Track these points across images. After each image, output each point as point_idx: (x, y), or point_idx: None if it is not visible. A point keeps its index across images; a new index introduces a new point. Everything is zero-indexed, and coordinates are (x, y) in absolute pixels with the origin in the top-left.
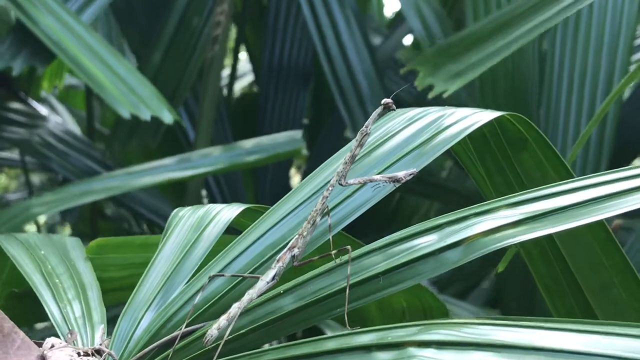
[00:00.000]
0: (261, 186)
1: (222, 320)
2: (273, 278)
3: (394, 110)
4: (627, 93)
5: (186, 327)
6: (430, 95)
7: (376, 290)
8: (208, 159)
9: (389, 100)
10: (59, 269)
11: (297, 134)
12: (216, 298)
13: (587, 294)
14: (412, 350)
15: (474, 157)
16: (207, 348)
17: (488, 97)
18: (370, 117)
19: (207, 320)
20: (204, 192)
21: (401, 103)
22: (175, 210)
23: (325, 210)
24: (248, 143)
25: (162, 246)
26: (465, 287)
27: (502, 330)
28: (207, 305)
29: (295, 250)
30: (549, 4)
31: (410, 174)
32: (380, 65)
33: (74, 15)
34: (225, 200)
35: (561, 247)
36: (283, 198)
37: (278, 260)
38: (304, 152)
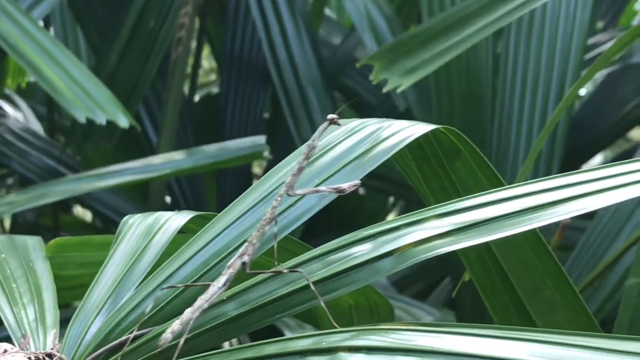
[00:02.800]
0: (222, 188)
1: (176, 325)
2: (224, 284)
3: (339, 125)
4: (584, 94)
5: (135, 332)
6: (385, 89)
7: (314, 297)
8: (170, 163)
9: (334, 115)
10: (17, 272)
11: (261, 138)
12: (162, 304)
13: (520, 294)
14: (343, 355)
15: (412, 165)
16: (153, 353)
17: (444, 106)
18: (317, 131)
19: (154, 325)
20: (168, 198)
21: (366, 106)
22: (125, 218)
23: (274, 220)
24: (211, 147)
25: (112, 253)
26: (427, 286)
27: (426, 336)
28: (154, 311)
29: (246, 257)
30: (501, 3)
31: (354, 185)
32: (340, 65)
33: (28, 16)
34: (188, 202)
35: (495, 250)
36: (229, 206)
37: (229, 267)
38: (266, 154)
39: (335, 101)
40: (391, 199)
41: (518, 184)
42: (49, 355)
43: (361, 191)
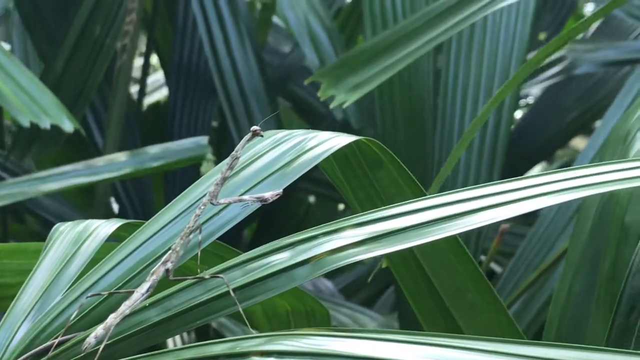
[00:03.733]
0: (170, 193)
1: (100, 329)
2: (147, 290)
3: (261, 136)
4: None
5: (60, 337)
6: (332, 105)
7: (233, 303)
8: (113, 165)
9: (257, 127)
10: None
11: (204, 139)
12: (87, 310)
13: (443, 297)
14: (255, 359)
15: (340, 175)
16: (76, 357)
17: (388, 120)
18: (240, 142)
19: (79, 331)
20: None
21: (314, 114)
22: (56, 225)
23: (199, 228)
24: (154, 149)
25: (41, 260)
26: (375, 292)
27: (336, 341)
28: (79, 317)
29: (169, 264)
30: (440, 22)
31: (277, 195)
32: (288, 73)
33: None
34: (135, 207)
35: (419, 255)
36: (156, 215)
37: (152, 274)
38: (210, 157)
39: (280, 110)
40: (341, 206)
41: (435, 194)
42: None
43: (311, 199)
